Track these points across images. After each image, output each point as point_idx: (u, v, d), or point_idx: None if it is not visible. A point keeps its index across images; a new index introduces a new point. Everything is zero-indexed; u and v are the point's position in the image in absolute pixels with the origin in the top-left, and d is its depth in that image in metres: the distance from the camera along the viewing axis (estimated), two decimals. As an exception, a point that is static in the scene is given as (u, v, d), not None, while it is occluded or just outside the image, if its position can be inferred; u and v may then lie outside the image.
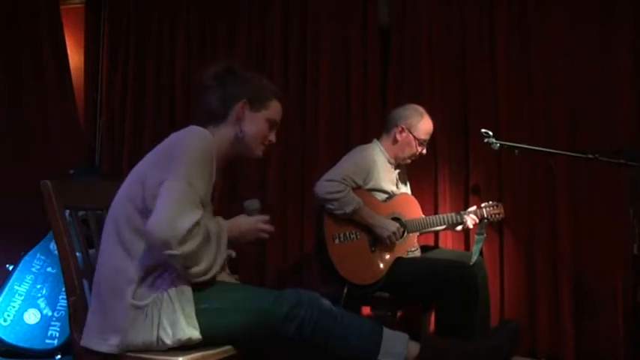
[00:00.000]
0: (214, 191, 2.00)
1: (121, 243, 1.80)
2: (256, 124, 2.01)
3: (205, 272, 1.76)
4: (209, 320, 1.77)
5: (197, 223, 1.70)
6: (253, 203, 2.06)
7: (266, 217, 2.02)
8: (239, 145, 2.01)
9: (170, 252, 1.67)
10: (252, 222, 2.00)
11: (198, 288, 1.80)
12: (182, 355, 1.72)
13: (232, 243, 1.96)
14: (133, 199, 1.81)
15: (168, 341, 1.72)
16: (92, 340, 1.80)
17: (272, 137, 2.07)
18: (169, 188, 1.71)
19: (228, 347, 1.82)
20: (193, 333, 1.74)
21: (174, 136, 1.87)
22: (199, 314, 1.76)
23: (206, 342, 1.78)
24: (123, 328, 1.73)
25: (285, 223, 3.71)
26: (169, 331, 1.72)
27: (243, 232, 1.98)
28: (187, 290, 1.77)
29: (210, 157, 1.81)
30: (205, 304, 1.78)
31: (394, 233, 2.86)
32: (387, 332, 1.82)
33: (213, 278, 1.83)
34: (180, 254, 1.68)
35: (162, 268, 1.78)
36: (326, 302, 1.82)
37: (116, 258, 1.80)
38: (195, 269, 1.74)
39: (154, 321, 1.72)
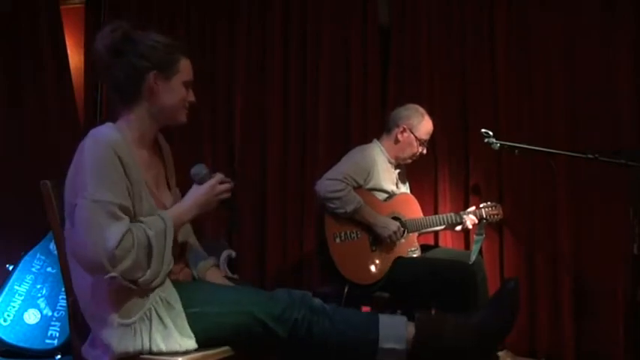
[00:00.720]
0: (167, 172, 1.97)
1: (80, 278, 1.75)
2: (173, 92, 1.86)
3: (154, 277, 1.67)
4: (201, 325, 1.73)
5: (124, 236, 1.59)
6: (199, 170, 1.90)
7: (218, 177, 1.87)
8: (161, 118, 1.88)
9: (108, 276, 1.59)
10: (205, 190, 1.84)
11: (186, 291, 1.76)
12: (182, 355, 1.72)
13: (198, 218, 1.87)
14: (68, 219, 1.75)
15: (163, 351, 1.70)
16: (87, 352, 1.79)
17: (191, 97, 1.92)
18: (79, 213, 1.61)
19: (226, 348, 1.81)
20: (188, 343, 1.72)
21: (77, 151, 1.73)
22: (191, 319, 1.73)
23: (201, 346, 1.76)
24: (112, 344, 1.68)
25: (285, 223, 3.71)
26: (162, 346, 1.69)
27: (201, 204, 1.84)
28: (175, 301, 1.72)
29: (110, 160, 1.66)
30: (196, 308, 1.74)
31: (395, 232, 2.86)
32: (383, 318, 1.80)
33: (165, 278, 1.74)
34: (119, 274, 1.60)
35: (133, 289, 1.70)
36: (317, 301, 1.79)
37: (80, 283, 1.75)
38: (142, 279, 1.65)
39: (144, 338, 1.68)
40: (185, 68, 1.89)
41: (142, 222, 1.69)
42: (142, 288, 1.67)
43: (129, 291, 1.68)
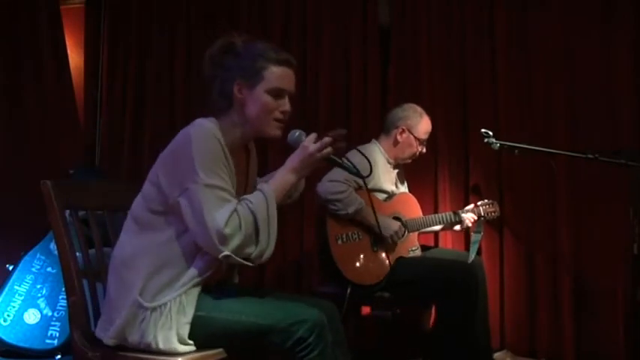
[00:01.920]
0: (247, 180, 1.98)
1: (135, 237, 1.81)
2: (256, 101, 1.84)
3: (264, 249, 1.73)
4: (204, 329, 1.75)
5: (230, 216, 1.67)
6: (291, 135, 1.88)
7: (310, 137, 1.85)
8: (248, 129, 1.87)
9: (222, 255, 1.67)
10: (298, 153, 1.83)
11: (201, 295, 1.78)
12: (182, 355, 1.73)
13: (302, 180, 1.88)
14: (146, 199, 1.82)
15: (161, 349, 1.72)
16: (99, 329, 1.83)
17: (284, 107, 1.86)
18: (192, 197, 1.69)
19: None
20: (185, 349, 1.74)
21: (180, 136, 1.79)
22: (197, 321, 1.75)
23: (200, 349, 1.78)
24: (122, 322, 1.74)
25: (284, 223, 3.71)
26: (161, 346, 1.72)
27: (296, 168, 1.82)
28: (190, 310, 1.74)
29: (217, 150, 1.74)
30: (203, 312, 1.76)
31: (396, 232, 2.87)
32: None
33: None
34: (231, 252, 1.67)
35: (172, 271, 1.75)
36: (330, 335, 1.76)
37: (128, 251, 1.81)
38: (254, 254, 1.71)
39: (150, 330, 1.72)
40: (272, 75, 1.83)
41: (245, 199, 1.75)
42: (256, 263, 1.73)
43: (164, 278, 1.74)
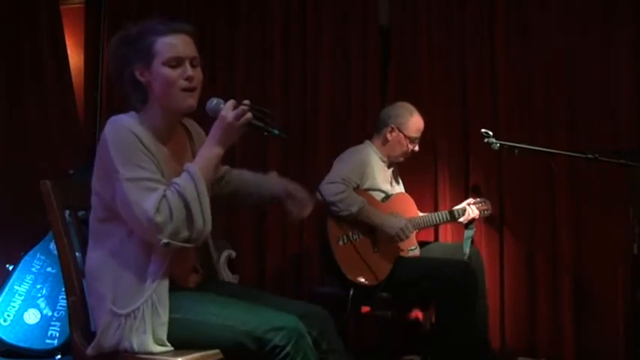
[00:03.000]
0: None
1: (93, 250, 1.81)
2: (157, 78, 1.76)
3: (202, 227, 1.69)
4: (180, 331, 1.74)
5: (159, 203, 1.64)
6: (209, 104, 1.81)
7: (228, 104, 1.77)
8: (164, 109, 1.81)
9: (161, 243, 1.65)
10: (218, 123, 1.77)
11: (177, 298, 1.76)
12: (181, 355, 1.72)
13: (227, 149, 1.80)
14: (94, 210, 1.81)
15: (136, 351, 1.72)
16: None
17: (187, 73, 1.77)
18: (119, 194, 1.68)
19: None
20: (161, 349, 1.73)
21: (100, 139, 1.76)
22: (172, 324, 1.74)
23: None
24: (99, 332, 1.75)
25: (284, 223, 3.71)
26: (135, 348, 1.71)
27: (220, 138, 1.77)
28: (163, 310, 1.73)
29: (132, 140, 1.70)
30: (179, 314, 1.75)
31: (402, 230, 2.86)
32: None
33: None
34: (169, 238, 1.65)
35: (135, 272, 1.74)
36: (308, 340, 1.74)
37: (91, 264, 1.81)
38: (194, 235, 1.68)
39: (125, 335, 1.71)
40: (162, 47, 1.76)
41: (172, 182, 1.72)
42: (198, 243, 1.72)
43: (130, 282, 1.73)
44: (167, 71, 1.76)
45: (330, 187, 2.82)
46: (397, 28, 3.63)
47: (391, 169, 3.14)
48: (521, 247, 3.36)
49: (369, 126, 3.59)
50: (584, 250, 3.27)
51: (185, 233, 1.68)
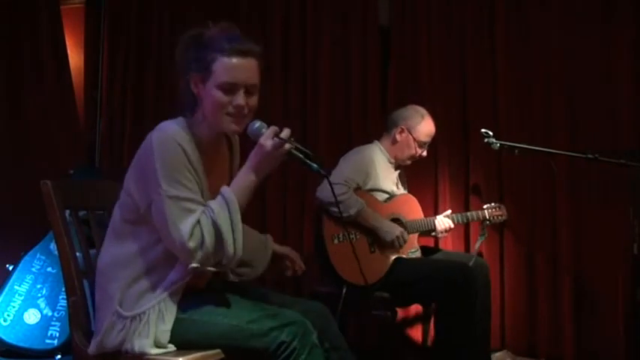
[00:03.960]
0: (232, 171, 1.94)
1: (112, 247, 1.82)
2: (208, 97, 1.74)
3: (232, 252, 1.68)
4: (185, 331, 1.75)
5: (193, 229, 1.65)
6: (251, 127, 1.76)
7: (269, 132, 1.72)
8: (211, 124, 1.78)
9: (190, 267, 1.67)
10: (256, 151, 1.73)
11: (184, 299, 1.77)
12: (182, 355, 1.73)
13: (264, 177, 1.77)
14: (122, 209, 1.81)
15: (136, 352, 1.73)
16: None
17: (238, 101, 1.73)
18: (157, 209, 1.68)
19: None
20: (158, 351, 1.73)
21: (144, 143, 1.75)
22: (177, 324, 1.74)
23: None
24: (102, 332, 1.75)
25: (285, 223, 3.71)
26: (136, 350, 1.72)
27: (256, 166, 1.73)
28: (170, 317, 1.74)
29: (179, 156, 1.69)
30: (185, 314, 1.76)
31: (398, 237, 2.86)
32: None
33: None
34: (198, 263, 1.67)
35: (149, 280, 1.75)
36: (314, 335, 1.74)
37: (106, 261, 1.81)
38: (224, 260, 1.69)
39: (127, 337, 1.72)
40: (220, 69, 1.72)
41: (208, 207, 1.70)
42: (227, 268, 1.73)
43: (142, 286, 1.74)
44: (218, 95, 1.73)
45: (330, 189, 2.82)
46: (397, 28, 3.63)
47: (398, 172, 3.13)
48: (521, 247, 3.36)
49: (369, 126, 3.60)
50: (584, 250, 3.27)
51: (215, 259, 1.69)
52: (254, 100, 1.78)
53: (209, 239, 1.66)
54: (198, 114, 1.80)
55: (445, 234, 3.07)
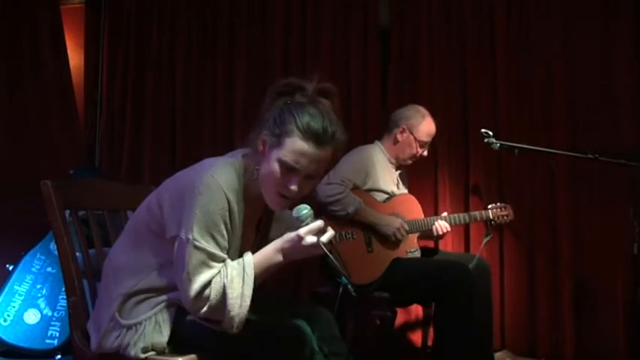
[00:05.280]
0: (260, 221, 1.90)
1: (130, 249, 1.81)
2: (267, 165, 1.67)
3: (233, 324, 1.65)
4: (183, 334, 1.75)
5: (203, 288, 1.64)
6: (298, 211, 1.67)
7: (312, 226, 1.65)
8: (261, 185, 1.71)
9: (190, 317, 1.69)
10: (291, 238, 1.68)
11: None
12: (182, 355, 1.73)
13: (283, 265, 1.74)
14: (150, 215, 1.77)
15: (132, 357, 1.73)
16: (89, 327, 1.84)
17: (292, 184, 1.65)
18: (179, 250, 1.66)
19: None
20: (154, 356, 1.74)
21: (193, 175, 1.68)
22: (180, 326, 1.74)
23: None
24: (101, 334, 1.76)
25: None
26: (132, 356, 1.72)
27: (285, 252, 1.70)
28: (165, 331, 1.73)
29: (222, 209, 1.64)
30: (188, 319, 1.74)
31: (398, 229, 2.86)
32: None
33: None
34: (199, 318, 1.68)
35: (153, 296, 1.75)
36: (313, 343, 1.75)
37: (121, 261, 1.81)
38: (224, 325, 1.66)
39: (124, 342, 1.73)
40: (290, 148, 1.63)
41: (225, 268, 1.68)
42: (226, 331, 1.67)
43: (144, 297, 1.74)
44: (276, 169, 1.65)
45: (327, 189, 2.82)
46: (397, 28, 3.63)
47: (398, 172, 3.13)
48: (521, 247, 3.36)
49: (369, 126, 3.60)
50: (584, 250, 3.28)
51: (215, 319, 1.68)
52: (310, 187, 1.72)
53: (215, 302, 1.64)
54: (255, 164, 1.72)
55: (442, 237, 3.04)
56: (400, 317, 3.36)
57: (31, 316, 3.18)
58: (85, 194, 2.08)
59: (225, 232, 1.68)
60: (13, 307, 3.17)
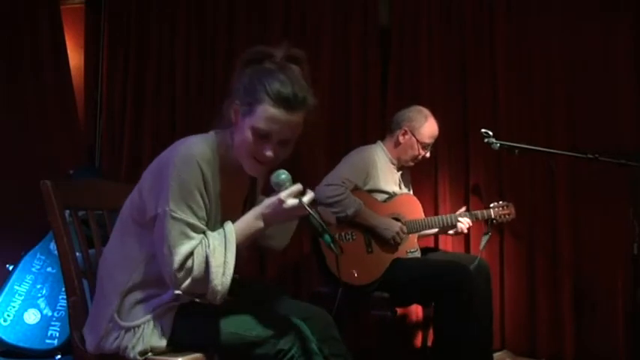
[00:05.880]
0: (252, 192, 1.93)
1: (120, 244, 1.81)
2: (241, 133, 1.69)
3: (216, 292, 1.65)
4: (183, 334, 1.75)
5: (185, 259, 1.64)
6: (276, 177, 1.70)
7: (292, 189, 1.67)
8: (236, 154, 1.74)
9: (174, 292, 1.68)
10: (272, 203, 1.68)
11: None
12: (182, 355, 1.73)
13: (266, 233, 1.75)
14: (133, 206, 1.79)
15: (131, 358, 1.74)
16: (85, 328, 1.84)
17: (266, 151, 1.68)
18: (158, 224, 1.67)
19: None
20: (154, 357, 1.74)
21: (168, 153, 1.72)
22: (178, 326, 1.75)
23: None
24: (100, 335, 1.76)
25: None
26: (131, 357, 1.72)
27: (266, 217, 1.70)
28: (164, 335, 1.74)
29: (197, 179, 1.66)
30: (185, 318, 1.76)
31: (397, 233, 2.86)
32: None
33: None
34: (182, 292, 1.67)
35: (148, 291, 1.75)
36: (313, 344, 1.74)
37: (114, 259, 1.81)
38: (208, 296, 1.67)
39: (122, 343, 1.73)
40: (261, 115, 1.65)
41: (207, 238, 1.68)
42: (210, 302, 1.68)
43: (140, 295, 1.74)
44: (249, 137, 1.68)
45: (327, 190, 2.82)
46: (397, 28, 3.63)
47: (400, 173, 3.12)
48: (521, 247, 3.36)
49: (368, 126, 3.60)
50: (584, 250, 3.28)
51: (199, 291, 1.68)
52: (286, 152, 1.74)
53: (197, 273, 1.64)
54: (228, 136, 1.76)
55: (461, 233, 3.05)
56: (400, 317, 3.35)
57: (31, 316, 3.18)
58: (85, 194, 2.08)
59: (202, 203, 1.69)
60: (13, 307, 3.17)
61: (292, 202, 1.66)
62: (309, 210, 1.66)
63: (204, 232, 1.69)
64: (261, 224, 1.72)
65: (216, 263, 1.65)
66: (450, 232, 3.07)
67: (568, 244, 3.26)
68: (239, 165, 1.76)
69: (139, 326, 1.73)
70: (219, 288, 1.65)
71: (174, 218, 1.65)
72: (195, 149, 1.69)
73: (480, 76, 3.46)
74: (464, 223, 3.00)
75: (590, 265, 3.26)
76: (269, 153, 1.68)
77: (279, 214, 1.69)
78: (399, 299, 2.89)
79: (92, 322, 1.81)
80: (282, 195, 1.66)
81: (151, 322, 1.73)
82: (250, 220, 1.72)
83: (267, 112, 1.65)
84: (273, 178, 1.70)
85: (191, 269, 1.64)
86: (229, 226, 1.71)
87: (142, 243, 1.76)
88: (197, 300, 1.70)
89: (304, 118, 1.73)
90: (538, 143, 3.06)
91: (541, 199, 3.34)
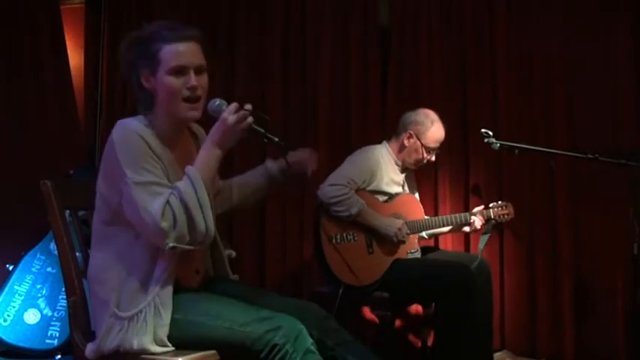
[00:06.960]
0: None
1: (98, 252, 1.82)
2: (162, 86, 1.78)
3: (204, 229, 1.71)
4: (180, 331, 1.75)
5: (164, 209, 1.67)
6: (212, 104, 1.82)
7: (230, 107, 1.77)
8: (170, 115, 1.81)
9: (167, 247, 1.69)
10: (217, 126, 1.78)
11: (178, 298, 1.78)
12: (182, 355, 1.73)
13: (226, 152, 1.81)
14: (98, 212, 1.83)
15: (135, 351, 1.73)
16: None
17: (190, 82, 1.77)
18: (127, 197, 1.70)
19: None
20: (158, 349, 1.74)
21: (107, 142, 1.78)
22: (173, 323, 1.75)
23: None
24: (102, 334, 1.76)
25: (284, 223, 3.71)
26: (135, 348, 1.72)
27: (219, 141, 1.78)
28: (166, 311, 1.75)
29: (140, 145, 1.73)
30: (179, 315, 1.76)
31: (399, 230, 2.86)
32: None
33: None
34: (175, 242, 1.68)
35: (139, 276, 1.76)
36: (309, 340, 1.74)
37: (96, 267, 1.82)
38: (198, 238, 1.72)
39: (127, 337, 1.73)
40: (167, 55, 1.76)
41: (175, 187, 1.73)
42: (203, 245, 1.76)
43: (134, 285, 1.75)
44: (170, 80, 1.77)
45: (331, 190, 2.82)
46: (397, 28, 3.63)
47: (404, 174, 3.12)
48: (521, 247, 3.36)
49: (369, 126, 3.60)
50: (584, 250, 3.27)
51: (189, 237, 1.71)
52: (204, 80, 1.82)
53: (180, 217, 1.68)
54: (156, 109, 1.83)
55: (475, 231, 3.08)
56: (400, 317, 3.35)
57: (31, 316, 3.18)
58: (85, 194, 2.07)
59: (157, 164, 1.74)
60: (13, 307, 3.17)
61: (233, 117, 1.75)
62: (252, 114, 1.77)
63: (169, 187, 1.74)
64: (216, 151, 1.78)
65: (192, 203, 1.69)
66: (466, 228, 3.08)
67: (568, 244, 3.26)
68: (179, 135, 1.87)
69: (141, 311, 1.73)
70: (203, 226, 1.70)
71: (136, 184, 1.69)
72: (129, 124, 1.78)
73: (479, 76, 3.46)
74: (480, 219, 3.03)
75: (590, 265, 3.26)
76: (193, 82, 1.77)
77: (226, 133, 1.77)
78: (399, 299, 2.89)
79: (93, 325, 1.83)
80: (224, 115, 1.76)
81: (152, 304, 1.73)
82: (206, 153, 1.79)
83: (170, 50, 1.76)
84: (210, 105, 1.82)
85: (172, 216, 1.68)
86: (189, 168, 1.76)
87: (116, 238, 1.79)
88: (190, 247, 1.72)
89: (201, 48, 1.82)
90: (538, 143, 3.06)
91: (541, 199, 3.34)
